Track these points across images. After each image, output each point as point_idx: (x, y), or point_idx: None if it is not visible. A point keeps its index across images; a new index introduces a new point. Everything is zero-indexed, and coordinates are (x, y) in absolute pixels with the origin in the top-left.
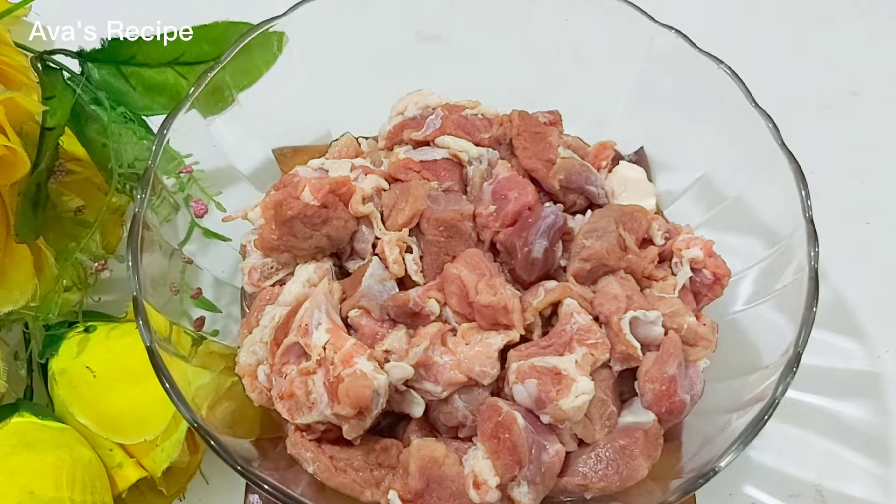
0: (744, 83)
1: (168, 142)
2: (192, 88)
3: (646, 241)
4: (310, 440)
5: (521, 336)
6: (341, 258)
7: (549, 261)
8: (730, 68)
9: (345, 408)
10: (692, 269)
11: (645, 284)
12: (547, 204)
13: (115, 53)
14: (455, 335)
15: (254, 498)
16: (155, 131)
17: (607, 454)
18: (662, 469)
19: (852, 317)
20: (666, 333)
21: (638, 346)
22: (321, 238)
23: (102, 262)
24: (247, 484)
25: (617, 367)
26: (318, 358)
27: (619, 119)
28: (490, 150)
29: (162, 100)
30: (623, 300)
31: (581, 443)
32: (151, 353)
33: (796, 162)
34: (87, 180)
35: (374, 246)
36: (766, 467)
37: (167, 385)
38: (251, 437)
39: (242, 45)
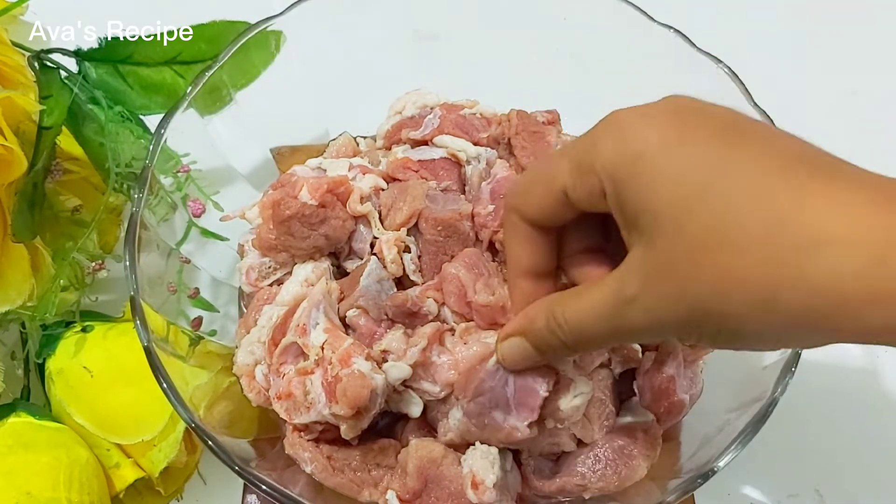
0: (743, 83)
1: (165, 141)
2: (190, 88)
3: None
4: (308, 440)
5: None
6: (339, 258)
7: None
8: (729, 68)
9: (343, 408)
10: None
11: None
12: None
13: (112, 52)
14: (453, 335)
15: (251, 498)
16: (152, 130)
17: (606, 454)
18: (661, 469)
19: None
20: None
21: (639, 347)
22: (319, 238)
23: (100, 261)
24: (244, 484)
25: (618, 370)
26: (316, 358)
27: None
28: (488, 149)
29: (159, 99)
30: None
31: (580, 443)
32: (149, 352)
33: None
34: (85, 180)
35: (372, 245)
36: (765, 467)
37: (165, 385)
38: (249, 437)
39: (240, 44)
